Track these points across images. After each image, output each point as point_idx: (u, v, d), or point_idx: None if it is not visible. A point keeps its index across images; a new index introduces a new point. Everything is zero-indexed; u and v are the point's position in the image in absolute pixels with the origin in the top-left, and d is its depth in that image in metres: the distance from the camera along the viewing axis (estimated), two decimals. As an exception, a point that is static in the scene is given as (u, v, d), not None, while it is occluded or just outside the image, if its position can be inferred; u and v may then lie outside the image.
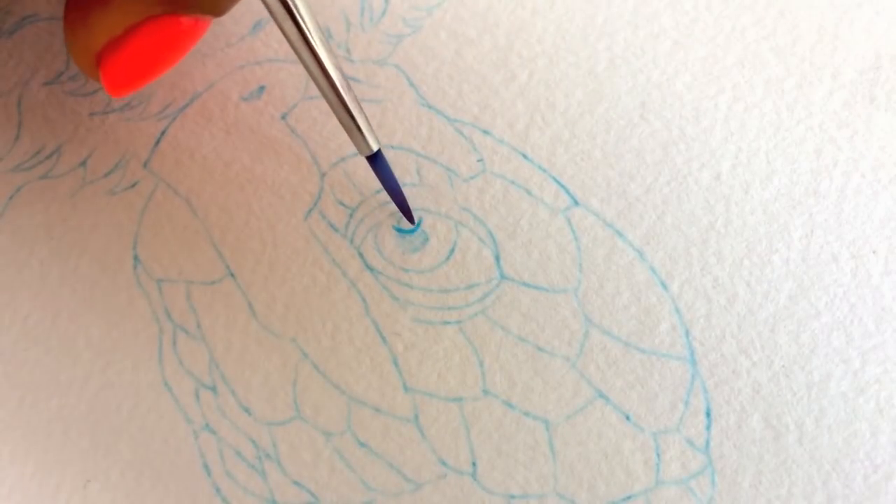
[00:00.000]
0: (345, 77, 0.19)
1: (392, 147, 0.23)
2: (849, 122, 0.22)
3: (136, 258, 0.23)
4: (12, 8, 0.26)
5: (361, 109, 0.20)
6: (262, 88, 0.24)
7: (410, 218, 0.22)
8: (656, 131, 0.23)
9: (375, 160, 0.21)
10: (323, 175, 0.23)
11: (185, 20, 0.18)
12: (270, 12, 0.17)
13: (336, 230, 0.22)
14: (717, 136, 0.23)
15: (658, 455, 0.20)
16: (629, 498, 0.19)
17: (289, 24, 0.17)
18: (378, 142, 0.20)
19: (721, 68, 0.23)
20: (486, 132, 0.23)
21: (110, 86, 0.19)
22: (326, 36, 0.25)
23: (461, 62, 0.24)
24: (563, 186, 0.22)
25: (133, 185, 0.23)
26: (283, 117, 0.24)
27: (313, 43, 0.18)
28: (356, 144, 0.20)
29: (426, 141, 0.23)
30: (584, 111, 0.23)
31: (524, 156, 0.23)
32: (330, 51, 0.18)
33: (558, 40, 0.24)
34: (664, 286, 0.21)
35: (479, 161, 0.23)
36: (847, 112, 0.23)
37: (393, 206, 0.22)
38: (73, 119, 0.24)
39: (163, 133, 0.24)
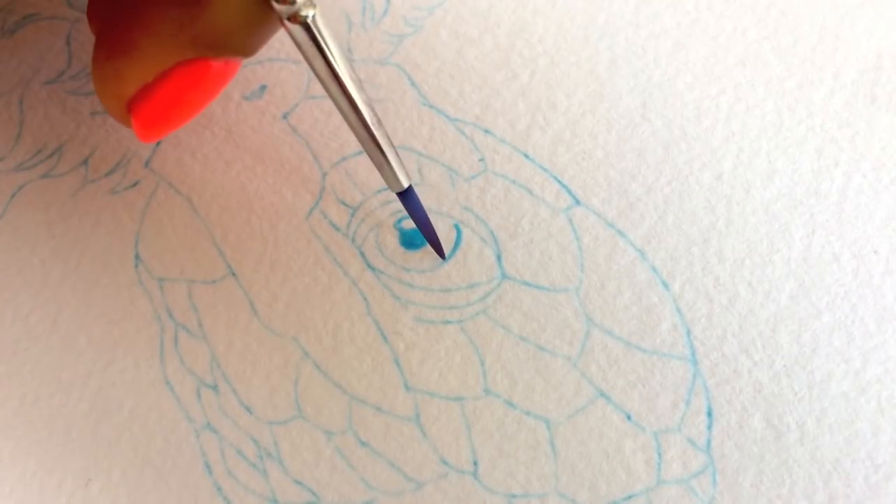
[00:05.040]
0: (375, 113, 0.18)
1: (393, 146, 0.23)
2: (850, 122, 0.22)
3: (137, 257, 0.23)
4: (14, 7, 0.26)
5: (392, 145, 0.19)
6: (263, 88, 0.24)
7: (441, 253, 0.22)
8: (658, 131, 0.23)
9: (406, 196, 0.21)
10: (324, 174, 0.23)
11: (216, 63, 0.18)
12: (301, 50, 0.17)
13: (337, 229, 0.22)
14: (718, 135, 0.23)
15: (659, 454, 0.20)
16: (630, 497, 0.19)
17: (319, 62, 0.17)
18: (409, 178, 0.20)
19: (722, 68, 0.23)
20: (487, 132, 0.23)
21: (142, 132, 0.19)
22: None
23: (462, 62, 0.24)
24: (564, 186, 0.22)
25: (134, 185, 0.23)
26: (285, 116, 0.24)
27: (345, 81, 0.17)
28: (387, 181, 0.20)
29: (427, 140, 0.23)
30: (586, 111, 0.23)
31: (525, 155, 0.23)
32: (360, 88, 0.18)
33: (560, 40, 0.24)
34: (665, 286, 0.21)
35: (480, 160, 0.23)
36: (848, 112, 0.23)
37: (394, 206, 0.22)
38: (74, 118, 0.24)
39: (164, 132, 0.24)
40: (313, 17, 0.16)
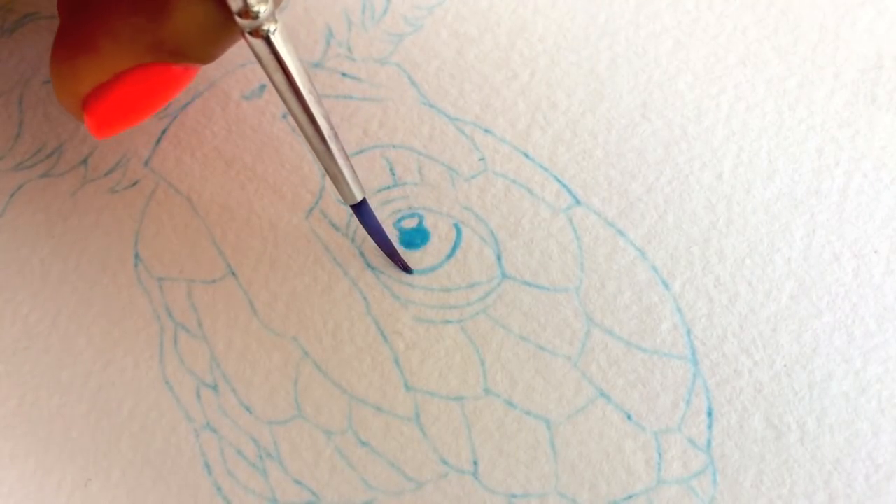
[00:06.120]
0: (332, 127, 0.19)
1: (393, 146, 0.23)
2: (850, 122, 0.22)
3: (137, 256, 0.23)
4: (14, 6, 0.26)
5: (347, 159, 0.19)
6: (263, 87, 0.24)
7: (405, 267, 0.21)
8: (658, 130, 0.23)
9: (360, 209, 0.20)
10: (324, 174, 0.23)
11: (175, 68, 0.18)
12: (261, 63, 0.17)
13: (337, 229, 0.22)
14: (718, 135, 0.23)
15: (659, 454, 0.20)
16: (630, 497, 0.19)
17: (279, 77, 0.17)
18: (363, 191, 0.20)
19: (723, 67, 0.23)
20: (487, 131, 0.23)
21: (95, 128, 0.19)
22: (328, 35, 0.25)
23: (462, 61, 0.24)
24: (564, 185, 0.22)
25: (134, 184, 0.23)
26: (284, 116, 0.24)
27: (304, 95, 0.18)
28: (341, 193, 0.20)
29: (427, 140, 0.23)
30: (586, 110, 0.23)
31: (526, 155, 0.23)
32: (319, 101, 0.18)
33: (560, 39, 0.24)
34: (666, 285, 0.21)
35: (480, 160, 0.23)
36: (849, 111, 0.23)
37: (394, 205, 0.22)
38: (73, 117, 0.24)
39: (164, 131, 0.24)
40: (275, 31, 0.17)
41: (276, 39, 0.17)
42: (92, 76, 0.18)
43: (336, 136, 0.19)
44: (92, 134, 0.19)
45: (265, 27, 0.17)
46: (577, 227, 0.22)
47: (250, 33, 0.17)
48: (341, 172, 0.19)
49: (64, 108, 0.19)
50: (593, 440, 0.20)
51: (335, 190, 0.23)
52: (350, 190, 0.20)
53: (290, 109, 0.18)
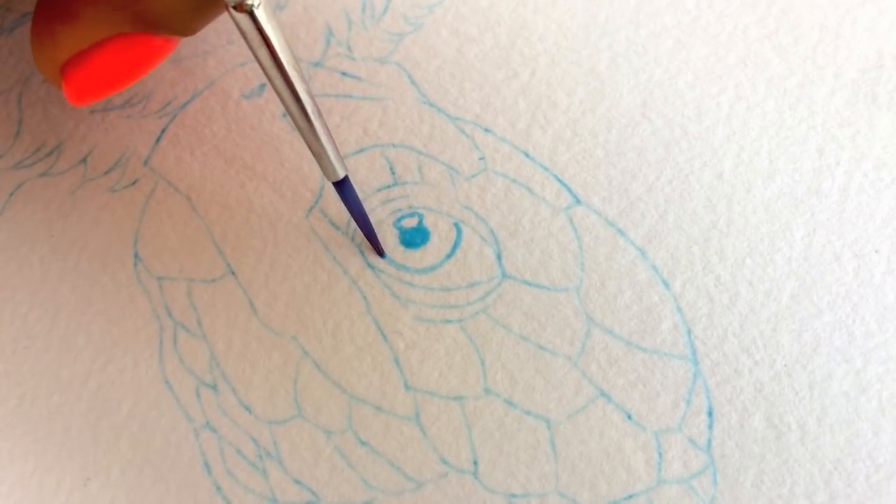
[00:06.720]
0: (316, 104, 0.19)
1: (393, 145, 0.23)
2: (851, 122, 0.22)
3: (136, 255, 0.22)
4: (12, 5, 0.26)
5: (330, 137, 0.19)
6: (262, 86, 0.24)
7: (379, 249, 0.22)
8: (658, 130, 0.23)
9: (343, 187, 0.21)
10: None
11: (156, 39, 0.18)
12: (245, 39, 0.17)
13: (337, 228, 0.22)
14: (719, 134, 0.23)
15: (660, 454, 0.20)
16: (631, 497, 0.19)
17: (263, 52, 0.17)
18: (345, 169, 0.20)
19: (723, 67, 0.23)
20: (487, 130, 0.23)
21: (72, 95, 0.19)
22: (328, 34, 0.25)
23: (463, 60, 0.24)
24: (564, 185, 0.22)
25: (133, 183, 0.23)
26: (284, 115, 0.24)
27: (288, 71, 0.18)
28: (324, 170, 0.20)
29: (427, 139, 0.23)
30: (586, 110, 0.23)
31: (526, 154, 0.23)
32: (303, 78, 0.18)
33: (560, 39, 0.24)
34: (666, 285, 0.21)
35: (480, 159, 0.23)
36: (849, 111, 0.23)
37: (394, 204, 0.22)
38: (73, 116, 0.24)
39: (163, 130, 0.24)
40: (258, 5, 0.17)
41: (260, 14, 0.17)
42: (71, 44, 0.18)
43: (319, 112, 0.19)
44: (69, 101, 0.19)
45: (249, 2, 0.16)
46: (578, 226, 0.22)
47: (234, 8, 0.17)
48: (324, 149, 0.19)
49: (43, 74, 0.20)
50: (593, 440, 0.20)
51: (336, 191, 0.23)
52: (333, 167, 0.20)
53: (273, 86, 0.18)
